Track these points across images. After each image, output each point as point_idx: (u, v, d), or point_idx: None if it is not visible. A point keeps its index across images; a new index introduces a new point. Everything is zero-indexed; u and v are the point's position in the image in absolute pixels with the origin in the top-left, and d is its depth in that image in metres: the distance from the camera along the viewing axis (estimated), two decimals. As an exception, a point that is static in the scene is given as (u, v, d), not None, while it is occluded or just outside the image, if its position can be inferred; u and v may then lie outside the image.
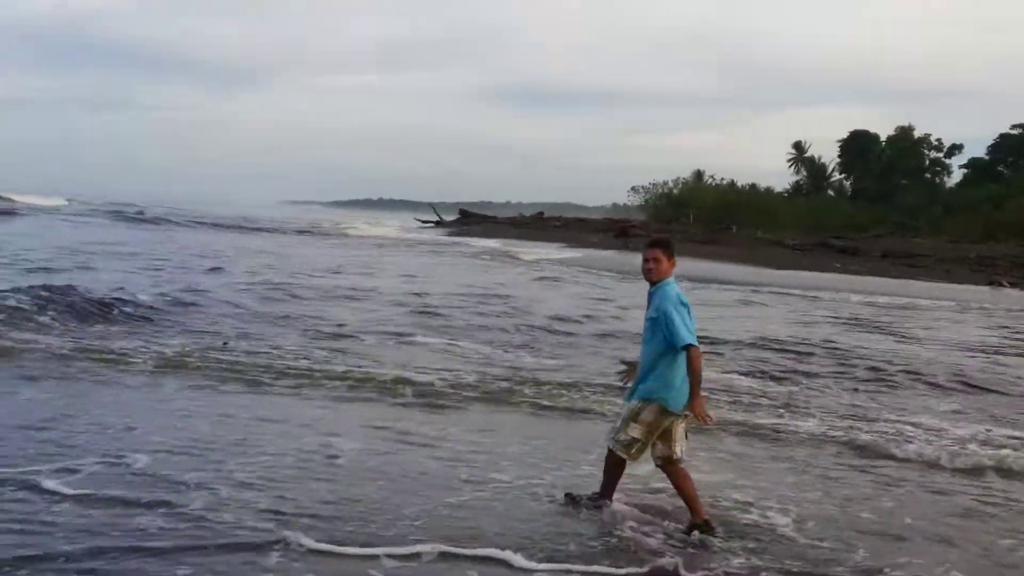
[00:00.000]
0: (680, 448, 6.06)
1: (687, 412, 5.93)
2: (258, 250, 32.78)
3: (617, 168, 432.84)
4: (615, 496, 6.34)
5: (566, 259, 38.49)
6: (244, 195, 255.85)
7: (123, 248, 27.69)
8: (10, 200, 62.24)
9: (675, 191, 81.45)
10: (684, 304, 5.95)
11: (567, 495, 6.43)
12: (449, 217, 78.22)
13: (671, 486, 6.18)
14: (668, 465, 6.09)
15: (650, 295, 6.11)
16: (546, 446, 7.95)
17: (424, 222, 77.91)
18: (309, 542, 5.31)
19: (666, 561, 5.49)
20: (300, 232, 51.22)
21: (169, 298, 15.32)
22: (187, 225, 47.20)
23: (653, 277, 6.06)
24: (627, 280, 27.44)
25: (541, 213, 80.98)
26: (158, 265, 22.75)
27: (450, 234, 61.71)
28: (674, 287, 6.02)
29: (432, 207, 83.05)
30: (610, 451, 6.20)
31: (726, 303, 22.93)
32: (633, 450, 6.06)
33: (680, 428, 6.06)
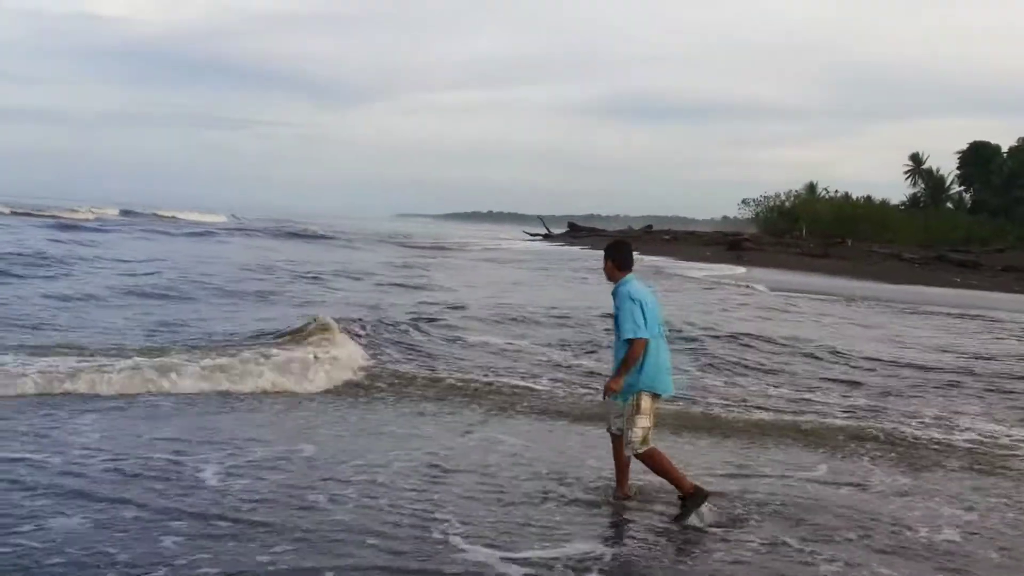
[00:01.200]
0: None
1: (667, 394, 6.66)
2: (455, 268, 34.32)
3: (726, 180, 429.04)
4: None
5: (723, 276, 36.68)
6: (359, 208, 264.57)
7: (363, 269, 29.32)
8: (174, 218, 65.74)
9: (787, 204, 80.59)
10: (633, 299, 6.49)
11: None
12: (557, 230, 78.95)
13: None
14: (618, 440, 6.71)
15: (612, 295, 6.73)
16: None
17: (533, 235, 78.86)
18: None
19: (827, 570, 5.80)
20: (441, 248, 52.80)
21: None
22: (359, 242, 50.18)
23: (608, 279, 6.80)
24: (836, 302, 27.11)
25: (650, 226, 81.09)
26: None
27: (582, 247, 61.51)
28: (626, 286, 6.61)
29: (541, 220, 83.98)
30: (642, 455, 6.59)
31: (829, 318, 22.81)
32: (650, 441, 6.56)
33: (654, 408, 6.66)
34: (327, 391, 10.38)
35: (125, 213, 67.75)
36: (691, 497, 6.44)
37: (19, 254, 23.82)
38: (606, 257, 6.79)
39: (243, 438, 8.03)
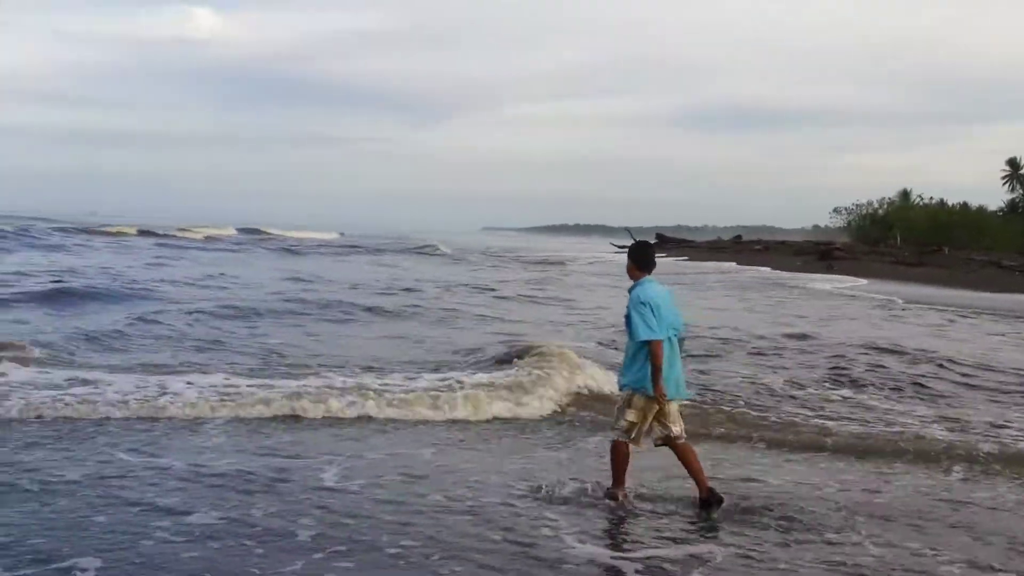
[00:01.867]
0: (678, 427, 6.76)
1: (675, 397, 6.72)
2: (581, 285, 34.24)
3: (816, 189, 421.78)
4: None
5: (846, 288, 35.58)
6: (447, 222, 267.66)
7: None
8: (283, 236, 68.02)
9: (880, 212, 79.25)
10: (644, 302, 6.58)
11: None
12: (646, 241, 78.75)
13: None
14: (670, 443, 6.79)
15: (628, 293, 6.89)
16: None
17: (620, 247, 78.98)
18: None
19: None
20: (550, 263, 53.22)
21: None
22: (473, 258, 52.11)
23: (630, 279, 6.95)
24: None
25: (739, 236, 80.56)
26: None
27: (676, 259, 60.29)
28: (639, 289, 6.72)
29: (629, 232, 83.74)
30: (614, 443, 6.82)
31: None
32: (633, 434, 6.70)
33: (674, 410, 6.75)
34: (551, 414, 10.47)
35: (242, 231, 70.42)
36: (614, 497, 6.82)
37: (207, 276, 26.19)
38: (628, 257, 6.98)
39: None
